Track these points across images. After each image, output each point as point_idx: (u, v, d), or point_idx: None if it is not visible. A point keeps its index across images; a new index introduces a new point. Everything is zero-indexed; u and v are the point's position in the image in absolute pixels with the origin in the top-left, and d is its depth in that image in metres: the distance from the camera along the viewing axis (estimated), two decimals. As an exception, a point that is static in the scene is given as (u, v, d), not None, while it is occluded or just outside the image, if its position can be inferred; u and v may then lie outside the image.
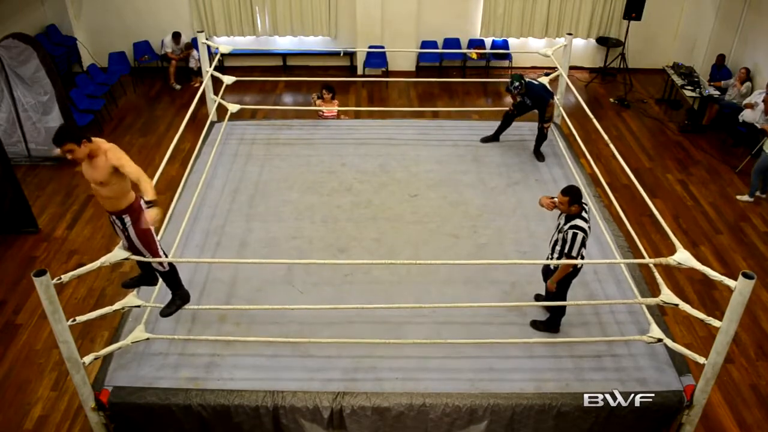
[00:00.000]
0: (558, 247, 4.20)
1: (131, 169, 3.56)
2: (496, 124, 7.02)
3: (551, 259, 4.29)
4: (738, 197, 8.01)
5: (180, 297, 4.17)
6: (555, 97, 6.65)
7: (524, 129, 6.91)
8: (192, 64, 11.10)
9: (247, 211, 5.75)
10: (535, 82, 6.51)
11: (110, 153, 3.58)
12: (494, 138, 6.88)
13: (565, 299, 4.36)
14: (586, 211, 4.16)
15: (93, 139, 3.60)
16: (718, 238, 7.30)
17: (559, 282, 4.24)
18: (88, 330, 5.64)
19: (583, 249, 4.14)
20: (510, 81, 6.39)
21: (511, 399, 3.90)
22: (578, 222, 4.07)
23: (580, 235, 4.03)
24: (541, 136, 6.57)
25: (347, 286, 4.86)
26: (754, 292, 3.42)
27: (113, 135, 9.47)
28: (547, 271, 4.46)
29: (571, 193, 4.05)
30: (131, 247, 3.81)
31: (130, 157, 3.65)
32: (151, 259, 3.87)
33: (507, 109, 6.83)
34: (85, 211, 7.62)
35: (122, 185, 3.62)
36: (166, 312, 4.14)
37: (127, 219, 3.70)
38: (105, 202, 3.69)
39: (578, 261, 4.12)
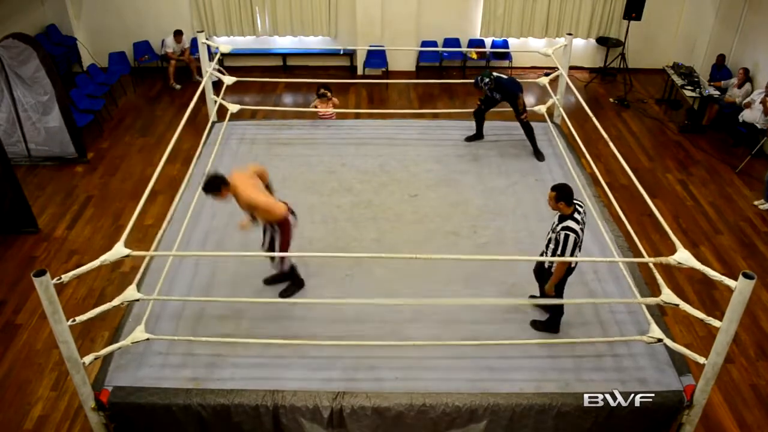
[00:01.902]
0: (552, 246, 4.18)
1: (259, 203, 4.33)
2: (496, 124, 7.05)
3: (546, 256, 4.29)
4: (757, 204, 7.88)
5: (296, 284, 4.81)
6: (535, 89, 6.68)
7: (524, 129, 6.91)
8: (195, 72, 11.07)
9: (247, 211, 5.75)
10: (504, 77, 6.56)
11: (243, 193, 4.29)
12: (478, 136, 6.91)
13: (561, 299, 4.36)
14: (579, 213, 4.12)
15: (231, 180, 4.31)
16: (718, 238, 7.30)
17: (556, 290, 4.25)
18: (88, 330, 5.64)
19: (577, 252, 4.12)
20: (480, 78, 6.43)
21: (511, 399, 3.90)
22: (570, 223, 4.04)
23: (572, 237, 4.00)
24: (528, 129, 6.61)
25: (347, 285, 4.87)
26: (754, 292, 3.42)
27: (113, 135, 9.48)
28: (540, 271, 4.45)
29: (558, 190, 4.05)
30: (270, 248, 4.52)
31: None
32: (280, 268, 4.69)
33: (474, 109, 6.89)
34: (85, 211, 7.63)
35: (265, 208, 4.36)
36: (284, 294, 4.74)
37: (277, 228, 4.44)
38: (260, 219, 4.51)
39: (575, 258, 4.12)
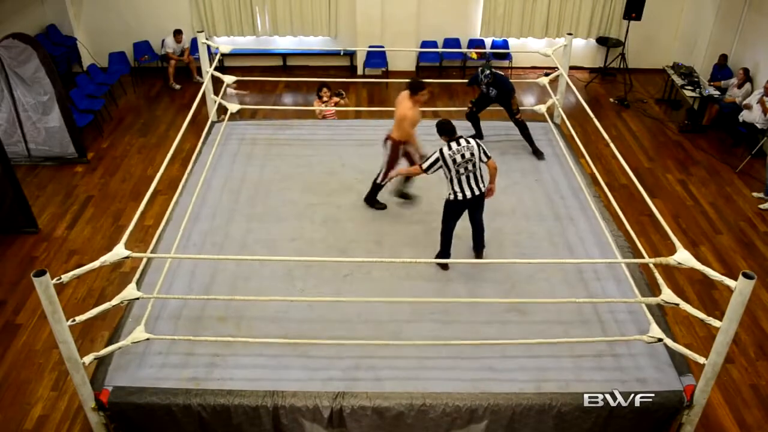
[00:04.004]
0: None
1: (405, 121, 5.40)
2: (496, 124, 7.05)
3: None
4: (760, 206, 7.89)
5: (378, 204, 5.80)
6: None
7: (524, 129, 6.90)
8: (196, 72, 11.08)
9: (247, 211, 5.76)
10: (500, 73, 6.58)
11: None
12: (478, 136, 6.91)
13: (448, 230, 5.01)
14: (457, 145, 4.76)
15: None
16: (718, 238, 7.30)
17: (444, 216, 4.98)
18: (88, 330, 5.64)
19: (456, 179, 4.79)
20: (480, 70, 6.44)
21: (511, 399, 3.90)
22: (443, 146, 4.79)
23: (437, 153, 4.77)
24: (523, 128, 6.62)
25: (347, 286, 4.87)
26: (754, 292, 3.42)
27: (113, 135, 9.48)
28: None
29: (437, 125, 4.87)
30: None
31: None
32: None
33: (466, 108, 6.90)
34: (85, 211, 7.63)
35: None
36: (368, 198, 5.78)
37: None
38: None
39: (577, 260, 4.13)
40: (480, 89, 6.63)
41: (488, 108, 6.78)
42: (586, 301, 4.64)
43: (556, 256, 5.20)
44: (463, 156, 4.74)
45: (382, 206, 5.81)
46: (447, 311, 4.57)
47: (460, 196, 4.83)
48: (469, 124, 6.89)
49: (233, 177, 6.26)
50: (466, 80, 7.26)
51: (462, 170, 4.76)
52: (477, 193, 4.86)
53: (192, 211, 5.49)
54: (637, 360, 4.19)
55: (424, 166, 4.85)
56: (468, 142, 4.79)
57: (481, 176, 4.88)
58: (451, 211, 4.95)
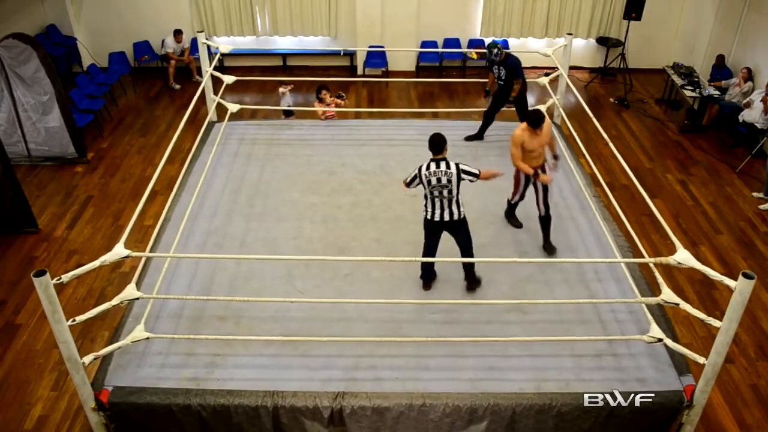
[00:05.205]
0: None
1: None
2: (495, 124, 7.03)
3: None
4: (760, 207, 7.87)
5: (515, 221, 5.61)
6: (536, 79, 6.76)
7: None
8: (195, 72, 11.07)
9: (247, 211, 5.76)
10: (513, 54, 6.50)
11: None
12: (479, 136, 6.91)
13: (428, 247, 4.78)
14: (435, 165, 4.52)
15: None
16: (718, 238, 7.30)
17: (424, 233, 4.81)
18: (88, 330, 5.64)
19: (430, 200, 4.61)
20: (487, 50, 6.29)
21: (511, 399, 3.90)
22: (424, 163, 4.59)
23: (415, 171, 4.62)
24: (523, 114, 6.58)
25: (347, 286, 4.87)
26: (754, 292, 3.42)
27: (113, 135, 9.48)
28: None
29: (429, 137, 4.62)
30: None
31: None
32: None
33: (485, 109, 6.89)
34: (85, 211, 7.63)
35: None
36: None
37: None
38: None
39: (577, 260, 4.12)
40: (492, 73, 6.55)
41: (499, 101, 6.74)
42: (586, 302, 4.64)
43: (556, 256, 5.21)
44: (438, 180, 4.51)
45: (518, 224, 5.62)
46: (447, 311, 4.57)
47: (429, 215, 4.66)
48: (473, 123, 6.89)
49: (233, 177, 6.26)
50: (466, 80, 7.25)
51: (436, 193, 4.56)
52: (447, 218, 4.62)
53: (192, 210, 5.49)
54: (637, 360, 4.19)
55: (407, 180, 4.70)
56: (448, 167, 4.50)
57: (458, 202, 4.61)
58: (427, 228, 4.76)
